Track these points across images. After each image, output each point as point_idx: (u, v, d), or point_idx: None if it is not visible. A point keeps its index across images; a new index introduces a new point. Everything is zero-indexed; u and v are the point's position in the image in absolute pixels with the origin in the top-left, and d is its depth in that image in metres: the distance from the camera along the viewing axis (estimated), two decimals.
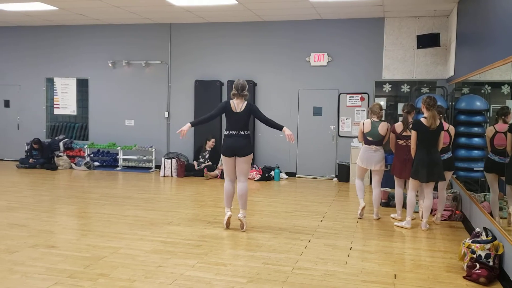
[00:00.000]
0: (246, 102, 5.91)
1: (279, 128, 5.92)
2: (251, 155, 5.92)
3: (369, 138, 6.52)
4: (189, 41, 11.06)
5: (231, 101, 5.90)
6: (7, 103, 12.39)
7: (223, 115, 5.99)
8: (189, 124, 5.90)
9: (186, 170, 10.47)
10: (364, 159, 6.56)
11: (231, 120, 5.88)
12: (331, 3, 8.78)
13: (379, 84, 10.04)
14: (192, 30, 11.00)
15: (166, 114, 11.23)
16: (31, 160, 11.21)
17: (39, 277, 4.16)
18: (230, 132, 5.86)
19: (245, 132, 5.86)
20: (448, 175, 6.44)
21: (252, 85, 10.59)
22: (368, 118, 6.66)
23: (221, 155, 5.98)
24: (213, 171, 10.28)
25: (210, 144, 10.52)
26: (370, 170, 6.73)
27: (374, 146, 6.52)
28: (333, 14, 9.71)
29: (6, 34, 12.16)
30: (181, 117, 11.12)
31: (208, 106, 10.74)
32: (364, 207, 6.63)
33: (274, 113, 10.51)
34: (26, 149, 11.62)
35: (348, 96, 10.20)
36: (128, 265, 4.52)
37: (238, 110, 5.83)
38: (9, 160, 12.28)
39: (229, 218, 5.94)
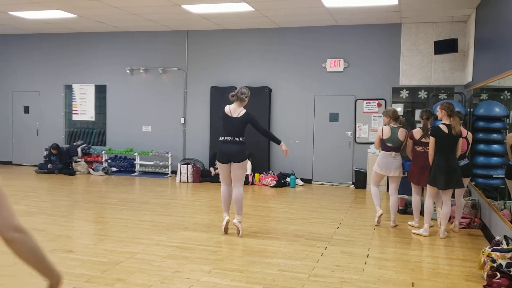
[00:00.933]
0: (244, 110, 5.89)
1: (277, 142, 6.01)
2: (246, 161, 5.94)
3: (389, 144, 6.46)
4: (206, 48, 11.13)
5: (226, 106, 5.92)
6: (26, 109, 12.61)
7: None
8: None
9: (202, 176, 10.51)
10: (383, 165, 6.50)
11: (226, 125, 5.88)
12: (348, 9, 8.77)
13: (396, 90, 9.97)
14: (209, 37, 11.08)
15: (182, 120, 11.31)
16: (49, 165, 11.37)
17: None
18: (225, 138, 5.86)
19: (241, 138, 5.84)
20: (466, 181, 6.35)
21: (268, 91, 10.60)
22: (385, 124, 6.58)
23: (216, 161, 6.00)
24: None
25: None
26: (387, 177, 6.67)
27: (393, 152, 6.46)
28: (350, 20, 9.69)
29: (26, 42, 12.40)
30: (197, 123, 11.19)
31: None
32: (381, 214, 6.56)
33: (290, 120, 10.57)
34: (45, 154, 11.80)
35: (365, 102, 10.14)
36: (144, 270, 4.54)
37: (234, 115, 5.82)
38: (28, 165, 12.47)
39: (227, 223, 5.94)
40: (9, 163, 12.73)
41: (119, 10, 9.09)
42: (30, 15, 9.87)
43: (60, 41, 12.14)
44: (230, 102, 5.95)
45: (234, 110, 5.85)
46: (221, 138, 5.91)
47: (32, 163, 12.38)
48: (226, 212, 6.01)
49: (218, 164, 5.99)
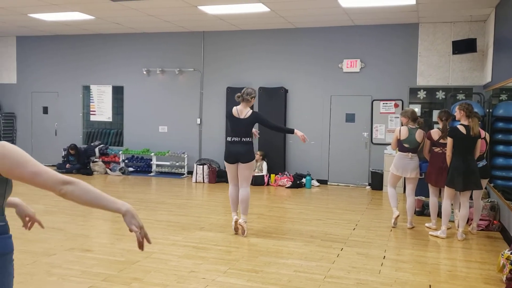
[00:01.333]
0: (251, 110, 5.94)
1: (291, 131, 6.09)
2: (253, 162, 5.97)
3: (406, 145, 6.40)
4: (222, 49, 11.17)
5: (234, 107, 5.96)
6: (45, 110, 12.80)
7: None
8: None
9: (218, 176, 10.54)
10: (400, 166, 6.44)
11: (233, 126, 5.94)
12: (364, 9, 8.71)
13: (414, 91, 9.87)
14: (225, 38, 11.11)
15: (198, 120, 11.36)
16: (67, 165, 11.53)
17: (75, 280, 4.26)
18: (232, 139, 5.90)
19: (248, 138, 5.90)
20: (484, 183, 6.27)
21: (284, 91, 10.59)
22: (403, 125, 6.52)
23: (224, 161, 6.04)
24: None
25: None
26: (404, 178, 6.61)
27: (411, 153, 6.40)
28: (366, 20, 9.63)
29: (45, 43, 12.59)
30: (213, 124, 11.23)
31: None
32: (398, 216, 6.51)
33: (306, 120, 10.54)
34: (63, 154, 11.96)
35: (382, 102, 10.07)
36: (160, 269, 4.58)
37: (241, 116, 5.88)
38: (47, 165, 12.63)
39: (236, 222, 5.97)
40: None
41: (136, 11, 9.17)
42: (49, 17, 10.02)
43: (78, 43, 12.30)
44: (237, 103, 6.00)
45: (241, 111, 5.90)
46: (228, 139, 5.97)
47: (51, 163, 12.55)
48: (235, 212, 6.06)
49: (225, 164, 6.03)
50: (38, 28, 11.38)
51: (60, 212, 7.11)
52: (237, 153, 5.83)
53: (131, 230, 1.86)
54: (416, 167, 6.42)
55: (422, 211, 7.34)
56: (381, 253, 5.30)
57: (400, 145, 6.46)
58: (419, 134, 6.38)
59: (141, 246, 1.90)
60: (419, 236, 6.13)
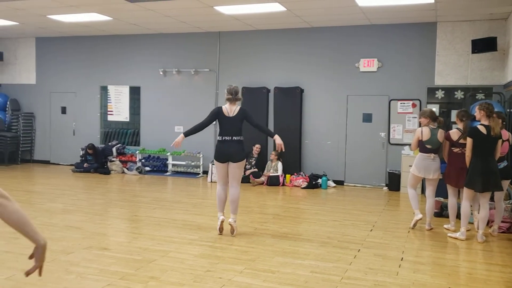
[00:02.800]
0: (239, 106, 5.93)
1: (271, 135, 6.02)
2: (244, 161, 5.95)
3: (428, 146, 6.31)
4: (237, 49, 11.17)
5: (223, 106, 5.93)
6: (63, 110, 12.95)
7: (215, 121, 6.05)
8: (182, 135, 5.91)
9: None
10: (422, 167, 6.34)
11: (224, 125, 5.91)
12: (381, 8, 8.63)
13: (432, 90, 9.74)
14: (240, 38, 11.11)
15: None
16: (85, 165, 11.64)
17: (93, 278, 4.29)
18: (223, 138, 5.88)
19: (238, 137, 5.87)
20: (505, 184, 6.14)
21: (299, 91, 10.55)
22: (424, 125, 6.40)
23: (214, 160, 6.00)
24: (259, 178, 10.28)
25: (255, 149, 10.55)
26: (423, 179, 6.52)
27: (433, 154, 6.30)
28: (383, 19, 9.54)
29: (63, 44, 12.73)
30: None
31: (254, 113, 10.76)
32: (420, 218, 6.39)
33: (322, 120, 10.49)
34: (81, 154, 12.09)
35: (399, 102, 9.96)
36: (177, 268, 4.59)
37: (231, 115, 5.86)
38: (65, 165, 12.80)
39: (222, 222, 5.91)
40: (47, 162, 13.10)
41: (153, 12, 9.22)
42: (67, 19, 10.13)
43: (95, 44, 12.42)
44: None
45: (231, 109, 5.89)
46: (219, 138, 5.94)
47: (69, 162, 12.70)
48: (221, 212, 5.98)
49: (215, 163, 6.00)
50: (57, 29, 11.52)
51: (78, 211, 7.18)
52: (228, 152, 5.82)
53: (31, 258, 2.01)
54: (438, 168, 6.33)
55: (441, 212, 7.24)
56: (399, 255, 5.24)
57: (422, 146, 6.36)
58: (440, 134, 6.29)
59: (28, 274, 2.01)
60: (438, 238, 6.04)
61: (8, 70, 13.42)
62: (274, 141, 5.99)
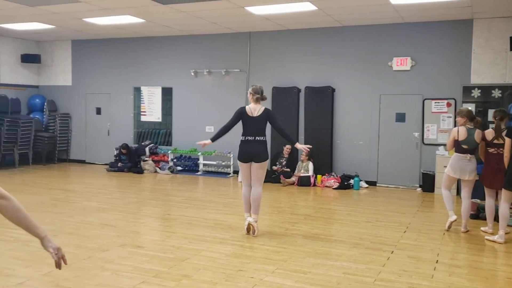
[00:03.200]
0: (263, 107, 5.90)
1: (292, 142, 6.04)
2: (267, 161, 5.93)
3: (464, 146, 6.15)
4: (268, 49, 11.18)
5: (246, 106, 5.93)
6: (98, 111, 13.25)
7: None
8: (210, 141, 5.97)
9: None
10: (458, 168, 6.19)
11: (247, 125, 5.89)
12: (415, 6, 8.47)
13: (467, 89, 9.50)
14: (271, 38, 11.11)
15: None
16: (119, 164, 11.88)
17: (127, 275, 4.37)
18: (246, 138, 5.87)
19: (262, 137, 5.86)
20: None
21: (331, 91, 10.47)
22: (461, 125, 6.24)
23: (238, 160, 5.99)
24: (289, 178, 10.25)
25: (286, 150, 10.52)
26: (459, 180, 6.36)
27: (469, 155, 6.14)
28: (417, 17, 9.36)
29: (98, 46, 13.03)
30: None
31: (285, 113, 10.79)
32: (455, 220, 6.24)
33: (354, 120, 10.37)
34: (115, 153, 12.35)
35: (434, 101, 9.75)
36: (209, 267, 4.62)
37: (254, 114, 5.85)
38: (100, 164, 13.09)
39: (249, 223, 5.88)
40: (83, 161, 13.44)
41: (185, 14, 9.33)
42: (102, 21, 10.36)
43: (129, 46, 12.65)
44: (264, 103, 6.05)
45: (254, 109, 5.88)
46: (242, 138, 5.92)
47: (104, 161, 12.98)
48: (248, 213, 5.97)
49: (239, 163, 6.00)
50: (92, 32, 11.80)
51: (113, 210, 7.33)
52: (251, 152, 5.81)
53: (49, 251, 2.12)
54: (474, 169, 6.16)
55: (477, 214, 7.05)
56: (434, 257, 5.13)
57: (458, 146, 6.20)
58: (477, 135, 6.11)
59: (58, 266, 2.13)
60: (474, 241, 5.89)
61: (45, 72, 13.83)
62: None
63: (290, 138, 6.13)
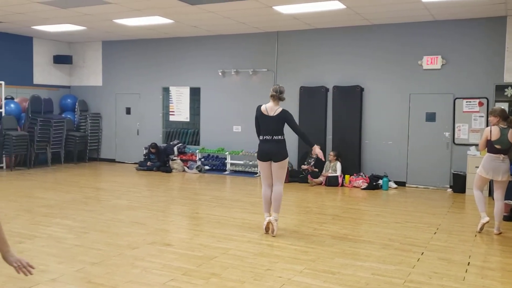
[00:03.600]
0: (280, 108, 5.88)
1: (310, 144, 5.94)
2: (287, 160, 5.89)
3: (497, 146, 6.00)
4: (295, 48, 11.15)
5: (262, 105, 5.94)
6: (128, 111, 13.47)
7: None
8: (317, 146, 5.99)
9: (290, 176, 10.50)
10: (491, 169, 6.04)
11: (264, 124, 5.90)
12: (446, 3, 8.31)
13: (500, 88, 9.25)
14: (298, 37, 11.08)
15: None
16: (148, 163, 12.06)
17: (157, 272, 4.44)
18: (264, 137, 5.89)
19: (280, 136, 5.84)
20: None
21: (359, 90, 10.36)
22: (493, 125, 6.10)
23: (257, 159, 6.00)
24: (317, 178, 10.20)
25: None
26: (491, 181, 6.21)
27: (502, 155, 5.99)
28: (448, 14, 9.18)
29: (128, 47, 13.26)
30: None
31: (312, 112, 10.76)
32: (487, 221, 6.10)
33: (383, 120, 10.24)
34: (144, 153, 12.54)
35: (465, 101, 9.55)
36: (237, 266, 4.65)
37: (270, 114, 5.84)
38: (130, 163, 13.31)
39: (268, 223, 5.88)
40: (113, 160, 13.69)
41: (213, 14, 9.39)
42: (132, 22, 10.53)
43: (158, 46, 12.82)
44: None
45: (271, 108, 5.87)
46: (260, 137, 5.94)
47: (133, 160, 13.20)
48: (267, 213, 5.98)
49: (258, 162, 6.01)
50: (122, 33, 12.01)
51: (142, 208, 7.45)
52: (270, 151, 5.82)
53: (12, 265, 2.40)
54: (508, 169, 6.00)
55: (511, 216, 6.87)
56: (465, 259, 5.02)
57: (490, 146, 6.06)
58: (511, 134, 5.96)
59: (24, 273, 2.39)
60: (508, 243, 5.74)
61: (77, 72, 14.15)
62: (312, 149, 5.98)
63: (308, 140, 6.01)
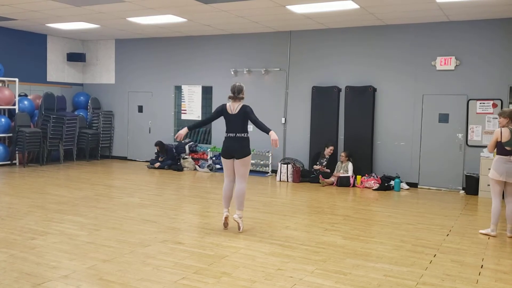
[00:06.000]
0: (241, 104, 5.93)
1: (266, 131, 5.86)
2: (249, 157, 5.93)
3: (508, 148, 5.93)
4: (308, 48, 11.11)
5: (227, 103, 5.98)
6: (140, 109, 13.54)
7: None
8: (186, 128, 6.04)
9: (302, 176, 10.50)
10: (503, 171, 5.96)
11: (228, 122, 5.99)
12: (461, 4, 8.23)
13: None
14: (311, 37, 11.04)
15: (283, 120, 11.40)
16: (156, 165, 12.07)
17: (168, 270, 4.45)
18: (228, 134, 5.97)
19: (243, 134, 5.90)
20: None
21: (372, 90, 10.30)
22: (503, 126, 6.05)
23: (220, 156, 6.04)
24: (328, 178, 10.17)
25: (328, 151, 10.42)
26: (503, 183, 6.13)
27: None
28: (462, 15, 9.09)
29: (141, 45, 13.32)
30: (297, 123, 11.22)
31: (324, 112, 10.73)
32: (494, 236, 6.02)
33: (395, 120, 10.18)
34: (155, 151, 12.58)
35: (478, 102, 9.45)
36: (248, 265, 4.65)
37: (233, 112, 5.90)
38: (141, 161, 13.38)
39: (226, 218, 5.99)
40: (125, 158, 13.77)
41: (226, 13, 9.40)
42: (145, 21, 10.58)
43: (171, 45, 12.87)
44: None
45: (233, 106, 5.93)
46: (225, 135, 6.02)
47: (145, 158, 13.27)
48: (226, 208, 6.06)
49: (222, 159, 6.08)
50: (135, 31, 12.07)
51: (154, 206, 7.48)
52: (232, 148, 5.89)
53: None
54: None
55: None
56: (478, 262, 4.97)
57: (501, 148, 6.00)
58: None
59: None
60: None
61: (90, 70, 14.25)
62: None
63: (265, 127, 5.89)
